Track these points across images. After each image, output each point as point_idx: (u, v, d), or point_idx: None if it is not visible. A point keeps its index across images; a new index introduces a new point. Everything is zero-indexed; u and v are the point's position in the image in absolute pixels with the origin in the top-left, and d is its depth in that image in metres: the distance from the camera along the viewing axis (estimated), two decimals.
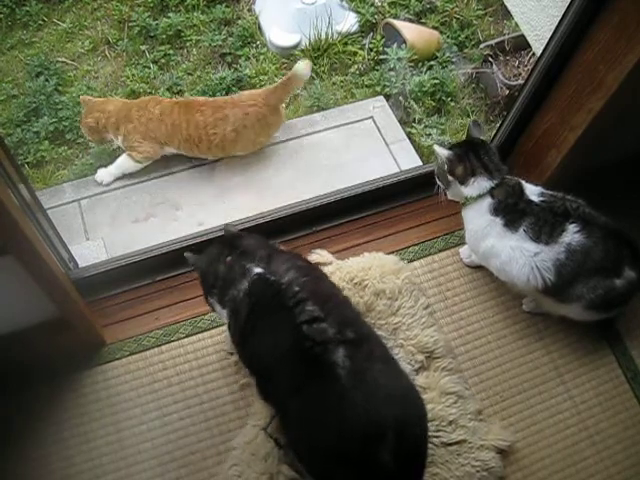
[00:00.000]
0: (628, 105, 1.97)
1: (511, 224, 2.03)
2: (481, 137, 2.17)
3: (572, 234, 1.97)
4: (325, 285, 1.91)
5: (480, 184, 2.07)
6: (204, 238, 2.29)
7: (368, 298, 2.21)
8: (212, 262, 1.92)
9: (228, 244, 1.94)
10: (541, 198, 2.05)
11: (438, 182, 2.18)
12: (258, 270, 1.80)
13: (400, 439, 1.66)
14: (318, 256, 2.32)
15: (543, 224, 2.00)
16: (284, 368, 1.74)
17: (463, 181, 2.09)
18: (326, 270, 2.23)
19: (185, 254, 2.01)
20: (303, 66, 3.09)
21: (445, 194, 2.18)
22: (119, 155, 3.08)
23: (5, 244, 1.57)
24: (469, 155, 2.08)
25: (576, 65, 2.04)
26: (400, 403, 1.72)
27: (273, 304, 1.76)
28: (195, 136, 2.97)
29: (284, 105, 3.26)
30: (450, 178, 2.10)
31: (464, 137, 2.26)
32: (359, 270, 2.26)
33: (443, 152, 2.08)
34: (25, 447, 2.03)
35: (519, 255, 2.02)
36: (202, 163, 3.13)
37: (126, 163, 3.06)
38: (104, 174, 3.05)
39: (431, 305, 2.29)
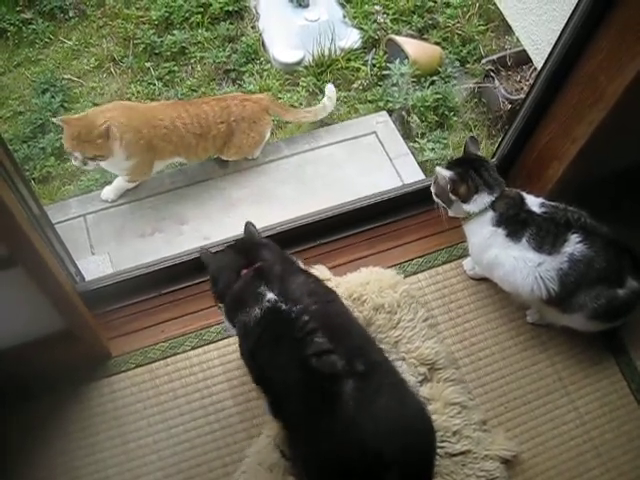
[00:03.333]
0: (629, 116, 1.98)
1: (514, 234, 2.04)
2: (478, 152, 2.19)
3: (574, 244, 1.98)
4: (336, 311, 1.88)
5: (482, 199, 2.09)
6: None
7: (367, 313, 2.22)
8: (226, 268, 1.92)
9: (245, 253, 1.93)
10: (542, 209, 2.06)
11: (438, 201, 2.19)
12: (271, 296, 1.77)
13: (406, 468, 1.69)
14: (316, 272, 2.30)
15: (545, 234, 2.01)
16: (293, 395, 1.73)
17: (466, 200, 2.10)
18: None
19: (200, 252, 2.02)
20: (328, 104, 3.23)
21: (446, 212, 2.19)
22: None
23: (14, 256, 1.59)
24: (471, 173, 2.09)
25: (577, 77, 2.06)
26: (408, 434, 1.73)
27: (283, 334, 1.75)
28: (203, 129, 2.99)
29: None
30: (453, 198, 2.11)
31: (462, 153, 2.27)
32: (357, 285, 2.27)
33: (445, 173, 2.09)
34: (32, 458, 2.03)
35: (522, 265, 2.03)
36: (207, 178, 3.16)
37: (122, 183, 3.06)
38: (108, 192, 3.07)
39: (433, 317, 2.30)
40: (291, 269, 1.91)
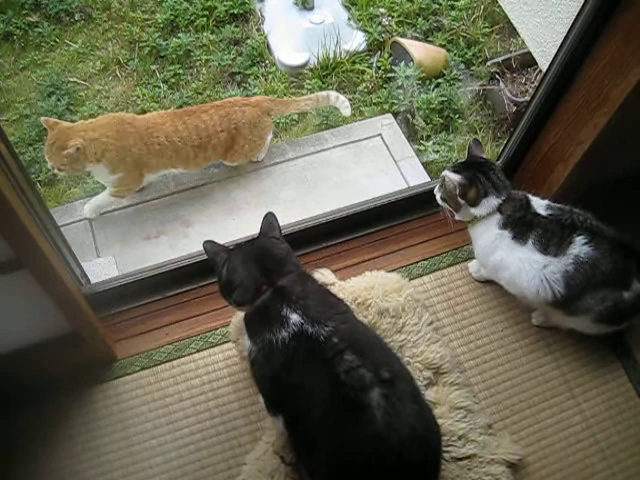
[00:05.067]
0: (634, 119, 1.98)
1: (520, 236, 2.04)
2: (482, 155, 2.18)
3: (580, 246, 1.98)
4: (355, 324, 1.87)
5: (490, 203, 2.08)
6: None
7: (372, 317, 2.22)
8: (245, 280, 1.86)
9: (263, 264, 1.87)
10: (548, 211, 2.06)
11: (444, 205, 2.18)
12: (296, 319, 1.75)
13: (422, 473, 1.71)
14: (321, 276, 2.31)
15: (551, 236, 2.01)
16: (317, 410, 1.72)
17: (475, 203, 2.10)
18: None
19: (205, 244, 1.95)
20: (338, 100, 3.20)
21: (452, 216, 2.19)
22: None
23: (21, 259, 1.59)
24: (479, 177, 2.09)
25: (582, 80, 2.06)
26: (427, 440, 1.74)
27: (312, 355, 1.73)
28: (202, 140, 2.96)
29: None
30: (461, 202, 2.11)
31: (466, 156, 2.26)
32: (362, 290, 2.27)
33: (455, 177, 2.08)
34: (37, 461, 2.04)
35: (528, 267, 2.03)
36: (212, 180, 3.16)
37: (105, 199, 3.02)
38: (87, 210, 3.02)
39: (438, 320, 2.30)
40: (308, 283, 1.88)
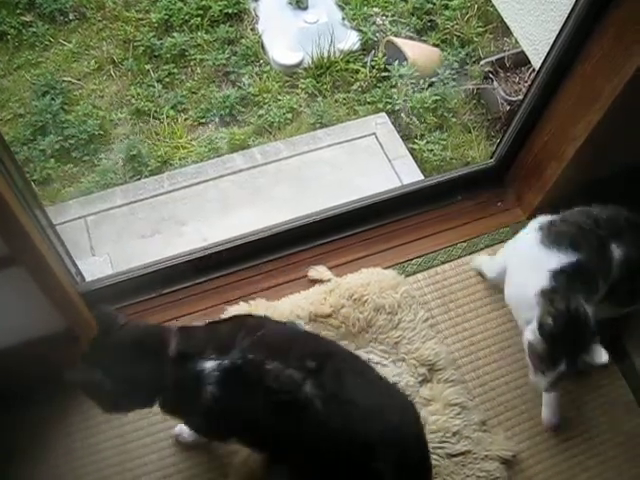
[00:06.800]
0: (627, 115, 1.99)
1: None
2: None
3: None
4: (268, 331, 1.78)
5: None
6: (208, 252, 2.32)
7: (368, 313, 2.22)
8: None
9: (143, 356, 1.69)
10: None
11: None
12: (210, 364, 1.65)
13: (393, 446, 1.68)
14: (317, 273, 2.32)
15: None
16: (272, 429, 1.68)
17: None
18: (325, 287, 2.26)
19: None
20: None
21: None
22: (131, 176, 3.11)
23: (16, 255, 1.59)
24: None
25: (574, 77, 2.06)
26: (381, 412, 1.72)
27: (244, 384, 1.67)
28: None
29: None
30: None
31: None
32: (358, 286, 2.27)
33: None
34: (35, 459, 2.04)
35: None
36: (206, 179, 3.17)
37: None
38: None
39: (433, 317, 2.30)
40: (191, 331, 1.79)
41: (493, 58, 3.53)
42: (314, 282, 2.31)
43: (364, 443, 1.66)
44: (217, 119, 3.44)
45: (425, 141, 3.39)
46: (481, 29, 3.74)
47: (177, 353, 1.67)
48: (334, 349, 1.84)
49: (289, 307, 2.21)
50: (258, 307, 2.21)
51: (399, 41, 3.60)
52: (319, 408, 1.63)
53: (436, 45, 3.70)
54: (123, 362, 1.65)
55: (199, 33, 3.67)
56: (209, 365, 1.65)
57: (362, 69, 3.61)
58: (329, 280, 2.29)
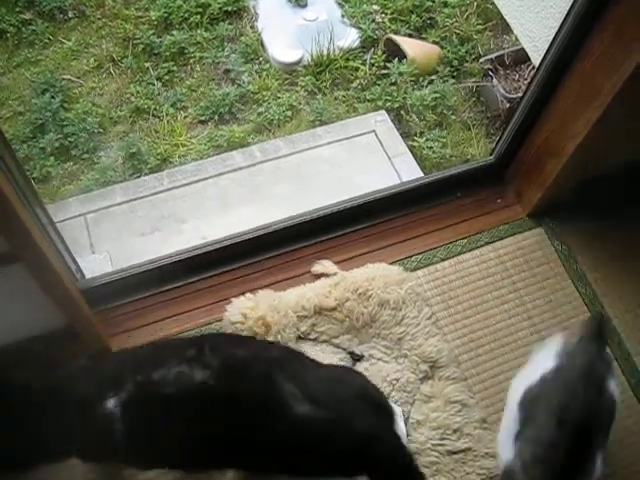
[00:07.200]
0: (627, 112, 1.99)
1: None
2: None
3: None
4: (143, 351, 1.81)
5: None
6: (207, 249, 2.32)
7: (372, 308, 2.23)
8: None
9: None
10: None
11: None
12: (109, 404, 1.58)
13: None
14: (322, 267, 2.33)
15: None
16: (200, 436, 1.62)
17: None
18: (330, 281, 2.26)
19: None
20: None
21: None
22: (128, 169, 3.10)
23: (16, 252, 1.60)
24: None
25: (574, 74, 2.06)
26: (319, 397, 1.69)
27: (143, 414, 1.62)
28: None
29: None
30: None
31: None
32: (363, 281, 2.27)
33: None
34: None
35: None
36: (206, 177, 3.16)
37: None
38: None
39: (435, 314, 2.30)
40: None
41: (493, 55, 3.53)
42: (318, 277, 2.32)
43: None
44: (217, 117, 3.44)
45: (425, 138, 3.38)
46: (481, 26, 3.73)
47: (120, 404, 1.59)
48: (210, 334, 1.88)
49: (294, 298, 2.21)
50: (264, 298, 2.21)
51: (398, 39, 3.60)
52: (214, 384, 1.60)
53: (435, 43, 3.69)
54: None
55: (198, 31, 3.66)
56: (108, 404, 1.58)
57: (362, 67, 3.61)
58: (335, 274, 2.30)
